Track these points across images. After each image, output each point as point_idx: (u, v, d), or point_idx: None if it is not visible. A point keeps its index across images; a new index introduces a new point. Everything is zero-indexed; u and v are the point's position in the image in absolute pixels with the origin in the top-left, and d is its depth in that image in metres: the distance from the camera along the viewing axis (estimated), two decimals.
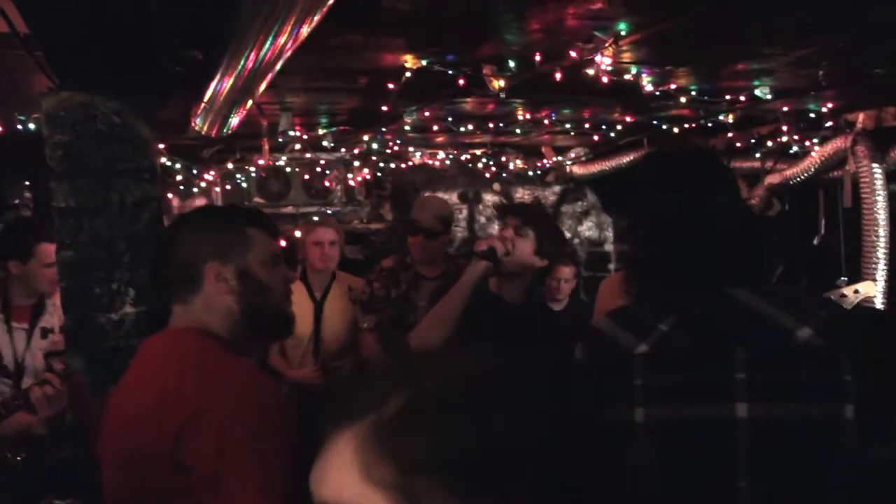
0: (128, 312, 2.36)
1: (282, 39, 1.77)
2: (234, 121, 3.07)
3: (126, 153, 2.32)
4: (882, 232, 4.38)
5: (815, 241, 5.24)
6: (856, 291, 2.71)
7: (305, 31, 1.70)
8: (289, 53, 1.90)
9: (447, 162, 6.25)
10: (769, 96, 3.96)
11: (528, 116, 4.61)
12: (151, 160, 2.40)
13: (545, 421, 0.61)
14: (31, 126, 3.15)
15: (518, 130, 5.13)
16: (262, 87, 2.36)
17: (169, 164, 5.01)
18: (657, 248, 1.43)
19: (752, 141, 5.28)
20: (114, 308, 2.35)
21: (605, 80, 3.03)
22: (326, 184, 5.87)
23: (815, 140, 4.89)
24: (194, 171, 5.40)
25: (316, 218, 5.15)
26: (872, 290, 2.76)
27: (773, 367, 1.28)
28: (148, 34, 2.31)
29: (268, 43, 1.83)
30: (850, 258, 4.81)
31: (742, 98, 4.04)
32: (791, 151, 5.11)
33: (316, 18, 1.62)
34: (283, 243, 3.89)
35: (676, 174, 1.48)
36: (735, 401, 1.27)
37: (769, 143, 5.13)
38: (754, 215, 1.55)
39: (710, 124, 4.86)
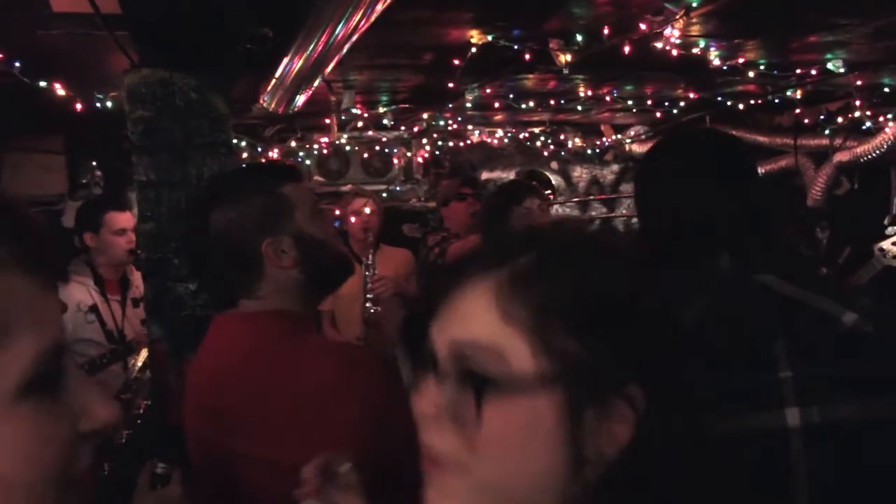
0: None
1: (356, 18, 1.79)
2: (301, 99, 3.13)
3: (203, 128, 2.40)
4: None
5: (886, 223, 5.07)
6: None
7: (380, 7, 1.71)
8: (359, 34, 1.92)
9: (505, 140, 6.23)
10: (842, 70, 3.85)
11: (589, 93, 4.56)
12: (227, 135, 2.46)
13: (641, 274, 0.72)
14: (109, 104, 3.25)
15: (579, 108, 5.08)
16: (331, 66, 2.39)
17: (235, 141, 5.11)
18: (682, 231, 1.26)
19: (822, 117, 5.12)
20: (191, 278, 2.43)
21: (673, 53, 2.98)
22: (395, 161, 5.91)
23: (889, 116, 4.73)
24: (259, 149, 5.50)
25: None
26: None
27: (821, 361, 1.06)
28: (222, 13, 2.37)
29: (342, 23, 1.84)
30: None
31: (813, 72, 3.93)
32: (863, 128, 4.94)
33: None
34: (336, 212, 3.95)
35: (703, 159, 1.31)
36: (783, 406, 1.06)
37: (839, 119, 4.97)
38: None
39: (776, 100, 4.74)
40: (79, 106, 3.08)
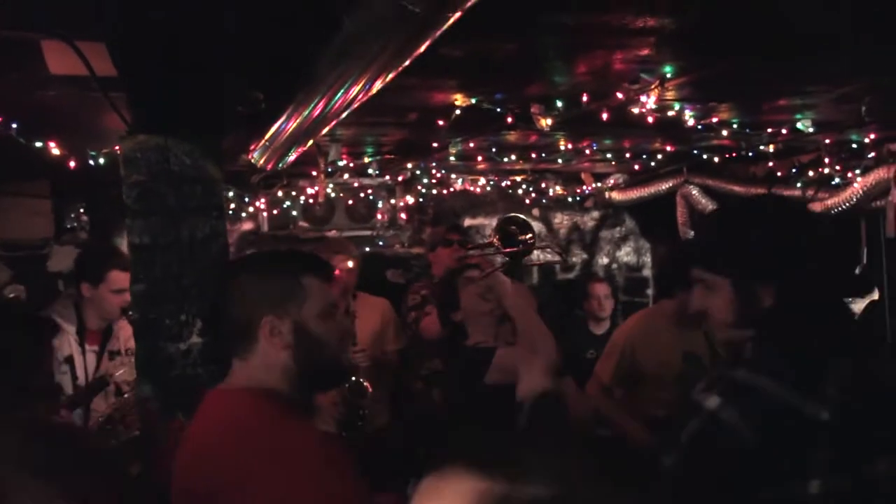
0: (195, 342, 2.49)
1: (353, 91, 1.88)
2: (291, 157, 3.21)
3: (196, 192, 2.46)
4: None
5: (857, 271, 5.22)
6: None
7: (379, 84, 1.80)
8: (357, 105, 2.02)
9: (488, 188, 6.35)
10: (811, 129, 4.01)
11: (569, 146, 4.70)
12: (219, 198, 2.53)
13: None
14: (102, 161, 3.32)
15: (559, 160, 5.22)
16: (325, 130, 2.48)
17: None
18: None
19: (794, 170, 5.29)
20: (182, 338, 2.48)
21: (649, 118, 3.11)
22: (379, 217, 6.01)
23: (858, 170, 4.90)
24: (245, 199, 5.57)
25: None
26: (875, 294, 2.83)
27: None
28: (219, 79, 2.46)
29: (339, 93, 1.94)
30: (892, 288, 4.79)
31: (784, 130, 4.09)
32: (833, 182, 5.11)
33: (391, 75, 1.73)
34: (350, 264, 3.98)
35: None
36: None
37: (810, 173, 5.14)
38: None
39: (750, 154, 4.90)
40: (72, 163, 3.14)
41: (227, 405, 1.49)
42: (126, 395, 2.92)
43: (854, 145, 4.58)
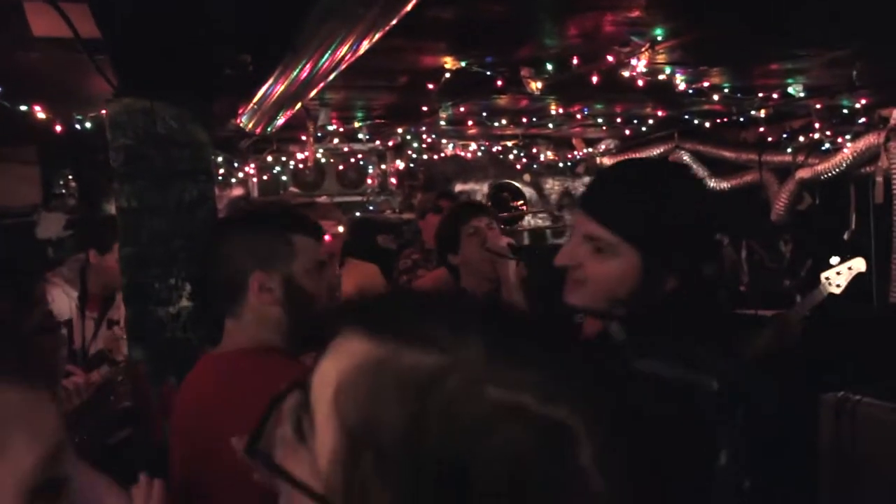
0: (184, 306, 2.49)
1: (341, 52, 1.86)
2: (280, 121, 3.19)
3: (183, 156, 2.44)
4: None
5: (846, 237, 5.26)
6: (849, 268, 2.78)
7: (366, 45, 1.79)
8: (344, 66, 2.00)
9: (479, 153, 6.33)
10: (802, 94, 4.00)
11: (560, 111, 4.68)
12: (207, 162, 2.52)
13: None
14: (88, 125, 3.28)
15: (550, 124, 5.20)
16: (313, 93, 2.46)
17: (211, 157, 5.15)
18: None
19: (784, 135, 5.29)
20: (171, 302, 2.48)
21: (640, 82, 3.10)
22: (368, 181, 5.98)
23: (848, 136, 4.91)
24: (235, 164, 5.54)
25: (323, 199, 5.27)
26: (863, 266, 2.82)
27: None
28: (207, 41, 2.43)
29: (326, 54, 1.92)
30: (879, 254, 4.83)
31: (774, 95, 4.08)
32: (823, 148, 5.12)
33: (378, 35, 1.71)
34: (327, 238, 3.97)
35: None
36: None
37: (801, 139, 5.14)
38: None
39: (741, 119, 4.90)
40: (58, 128, 3.11)
41: (226, 367, 1.49)
42: (117, 365, 2.92)
43: (845, 111, 4.58)
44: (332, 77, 2.19)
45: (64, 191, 5.47)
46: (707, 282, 1.28)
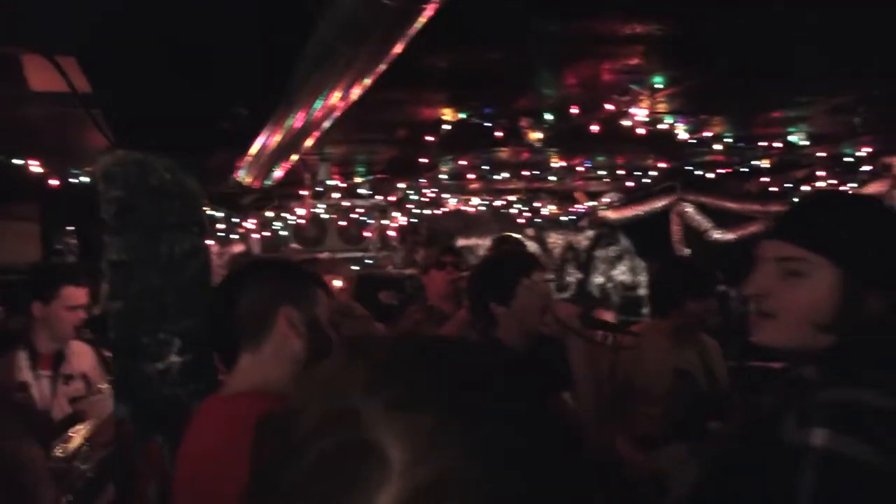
0: (174, 361, 2.41)
1: (332, 99, 1.83)
2: (277, 173, 3.16)
3: (175, 207, 2.39)
4: None
5: None
6: None
7: (356, 92, 1.76)
8: (338, 113, 1.97)
9: (481, 208, 6.31)
10: (805, 142, 3.97)
11: (562, 164, 4.66)
12: (199, 213, 2.47)
13: None
14: (85, 179, 3.26)
15: (552, 177, 5.18)
16: (309, 143, 2.43)
17: (211, 212, 5.14)
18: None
19: (788, 185, 5.25)
20: (160, 357, 2.40)
21: (641, 131, 3.07)
22: (367, 234, 5.96)
23: (853, 185, 4.86)
24: (235, 220, 5.52)
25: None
26: None
27: None
28: (201, 94, 2.41)
29: (318, 103, 1.89)
30: None
31: (777, 144, 4.05)
32: None
33: (368, 81, 1.68)
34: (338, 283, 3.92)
35: None
36: None
37: (805, 188, 5.10)
38: None
39: (744, 169, 4.87)
40: (56, 182, 3.08)
41: (238, 410, 1.45)
42: (88, 422, 2.79)
43: (849, 159, 4.55)
44: (326, 125, 2.16)
45: (63, 247, 5.45)
46: None
